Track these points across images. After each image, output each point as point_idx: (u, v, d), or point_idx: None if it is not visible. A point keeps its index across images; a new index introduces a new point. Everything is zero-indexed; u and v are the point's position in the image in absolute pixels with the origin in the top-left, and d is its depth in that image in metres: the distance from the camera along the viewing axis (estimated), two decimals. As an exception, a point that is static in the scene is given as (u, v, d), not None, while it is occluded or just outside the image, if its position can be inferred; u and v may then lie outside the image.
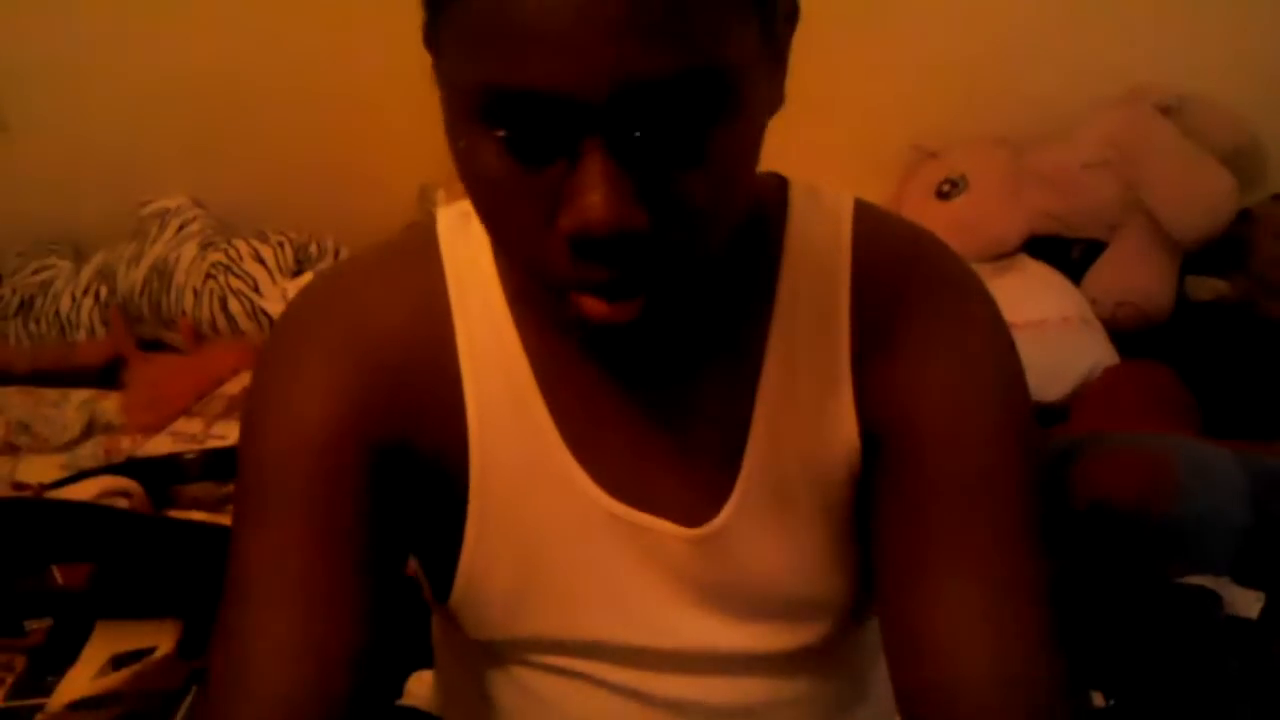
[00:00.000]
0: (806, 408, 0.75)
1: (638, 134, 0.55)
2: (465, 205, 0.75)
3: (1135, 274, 1.78)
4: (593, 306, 0.60)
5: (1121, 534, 1.21)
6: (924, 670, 0.68)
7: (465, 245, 0.76)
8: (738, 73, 0.57)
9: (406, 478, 0.74)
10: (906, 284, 0.75)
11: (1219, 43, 1.92)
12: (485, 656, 0.84)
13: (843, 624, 0.81)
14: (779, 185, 0.78)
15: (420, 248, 0.77)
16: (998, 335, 0.76)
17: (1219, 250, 1.81)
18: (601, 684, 0.81)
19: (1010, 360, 0.76)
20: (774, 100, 0.65)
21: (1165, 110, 1.87)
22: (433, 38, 0.61)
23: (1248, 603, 1.20)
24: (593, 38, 0.52)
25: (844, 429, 0.75)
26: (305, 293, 0.79)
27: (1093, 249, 1.88)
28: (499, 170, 0.58)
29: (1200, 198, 1.77)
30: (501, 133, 0.57)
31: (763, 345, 0.74)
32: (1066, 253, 1.90)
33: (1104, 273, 1.82)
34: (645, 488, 0.75)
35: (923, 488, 0.72)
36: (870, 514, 0.76)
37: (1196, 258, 1.82)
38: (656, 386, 0.75)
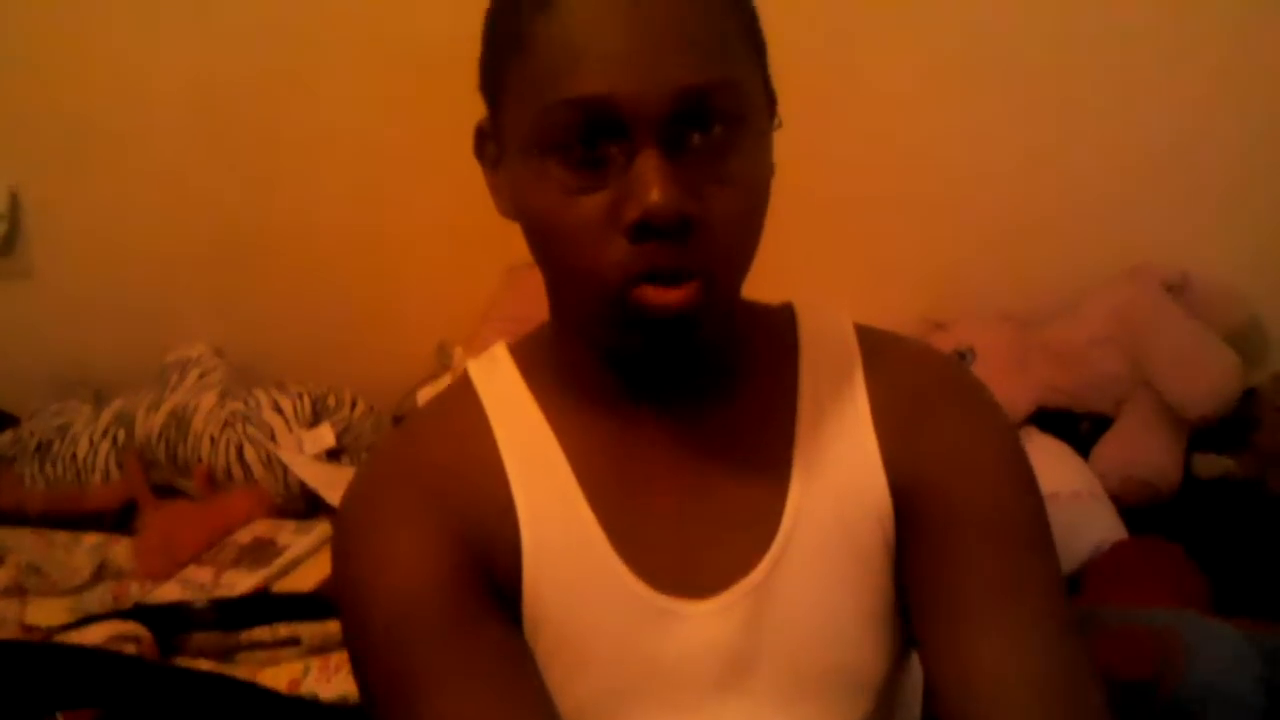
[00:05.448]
0: (838, 473, 0.81)
1: (684, 136, 0.67)
2: (491, 350, 0.87)
3: (1142, 449, 1.79)
4: (655, 294, 0.68)
5: (1129, 713, 1.20)
6: (975, 705, 0.72)
7: (496, 376, 0.85)
8: (750, 91, 0.71)
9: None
10: (906, 357, 0.87)
11: (1220, 222, 1.97)
12: None
13: (880, 706, 0.83)
14: (783, 303, 0.89)
15: (459, 392, 0.85)
16: (995, 405, 0.87)
17: (1225, 428, 1.82)
18: None
19: (1010, 425, 0.88)
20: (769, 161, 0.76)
21: (1170, 288, 1.91)
22: (494, 95, 0.74)
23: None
24: (654, 53, 0.66)
25: (875, 491, 0.81)
26: (373, 464, 0.87)
27: (1100, 423, 1.89)
28: (561, 187, 0.68)
29: (1206, 376, 1.79)
30: (562, 153, 0.68)
31: (792, 419, 0.82)
32: (1074, 426, 1.91)
33: (1111, 447, 1.83)
34: (686, 573, 0.79)
35: (958, 537, 0.78)
36: (907, 571, 0.81)
37: (1203, 435, 1.83)
38: (691, 472, 0.80)
